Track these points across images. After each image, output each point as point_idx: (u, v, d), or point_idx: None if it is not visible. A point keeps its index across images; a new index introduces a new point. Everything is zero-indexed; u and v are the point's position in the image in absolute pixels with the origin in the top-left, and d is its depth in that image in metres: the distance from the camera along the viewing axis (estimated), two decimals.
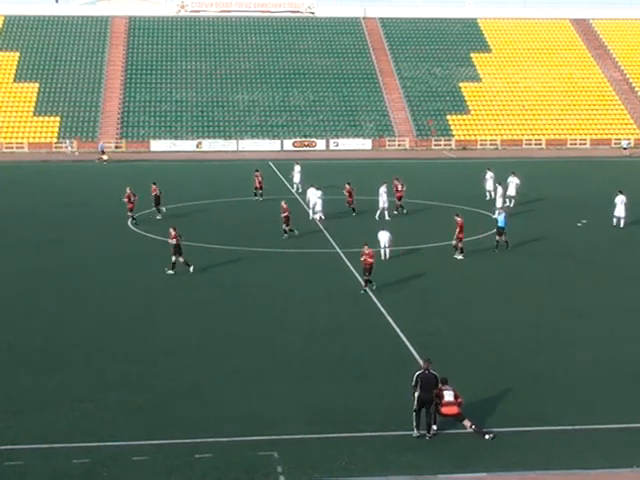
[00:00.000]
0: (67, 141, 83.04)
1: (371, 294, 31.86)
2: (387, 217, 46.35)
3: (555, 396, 22.27)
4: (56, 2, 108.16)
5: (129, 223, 45.65)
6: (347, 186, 49.50)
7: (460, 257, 37.75)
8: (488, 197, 53.81)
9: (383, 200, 46.82)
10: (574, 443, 19.60)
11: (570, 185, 62.64)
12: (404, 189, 49.44)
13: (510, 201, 50.83)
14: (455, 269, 36.39)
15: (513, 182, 51.46)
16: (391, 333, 27.38)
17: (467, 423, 19.93)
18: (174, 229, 35.54)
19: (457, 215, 38.14)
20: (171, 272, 34.87)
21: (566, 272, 36.01)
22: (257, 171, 55.38)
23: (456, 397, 20.04)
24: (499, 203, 47.77)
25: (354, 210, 48.40)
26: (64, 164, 75.70)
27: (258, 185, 53.96)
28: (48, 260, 37.94)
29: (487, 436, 19.68)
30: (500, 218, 39.59)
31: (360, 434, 19.94)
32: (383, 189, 47.10)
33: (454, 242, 37.85)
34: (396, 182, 49.65)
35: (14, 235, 43.57)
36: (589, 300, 31.77)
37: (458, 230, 37.51)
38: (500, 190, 48.07)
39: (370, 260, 31.91)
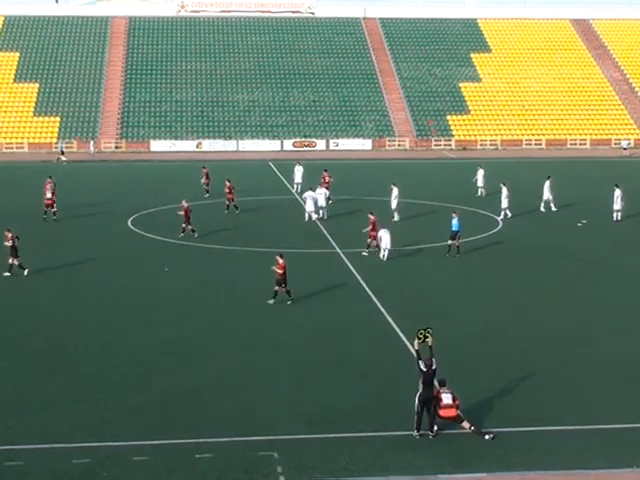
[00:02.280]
0: (91, 142, 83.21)
1: (371, 294, 31.85)
2: (396, 218, 46.19)
3: (555, 396, 22.27)
4: (56, 2, 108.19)
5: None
6: (227, 183, 49.65)
7: (365, 253, 38.17)
8: (479, 194, 55.19)
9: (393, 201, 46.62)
10: (574, 443, 19.60)
11: (570, 185, 62.60)
12: (332, 180, 51.79)
13: (547, 205, 50.20)
14: (455, 269, 36.38)
15: (547, 186, 50.47)
16: (391, 333, 27.38)
17: (466, 425, 19.93)
18: (9, 231, 35.27)
19: (371, 213, 38.70)
20: (7, 274, 34.71)
21: (566, 272, 36.01)
22: (204, 168, 56.24)
23: (454, 399, 20.04)
24: (505, 204, 47.55)
25: (236, 207, 49.15)
26: (64, 164, 75.64)
27: (206, 182, 54.71)
28: (48, 260, 37.91)
29: (487, 436, 19.69)
30: (454, 222, 38.44)
31: (360, 434, 19.93)
32: (394, 191, 46.89)
33: (368, 240, 38.31)
34: (325, 174, 52.06)
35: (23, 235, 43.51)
36: (589, 300, 31.77)
37: (370, 228, 38.16)
38: (505, 191, 47.77)
39: (280, 272, 30.24)
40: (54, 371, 24.00)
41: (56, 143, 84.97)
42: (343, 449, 19.16)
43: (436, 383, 20.34)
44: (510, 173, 58.72)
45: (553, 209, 50.07)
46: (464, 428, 19.90)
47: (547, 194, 50.37)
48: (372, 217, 38.47)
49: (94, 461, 18.51)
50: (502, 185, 48.21)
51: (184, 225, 41.95)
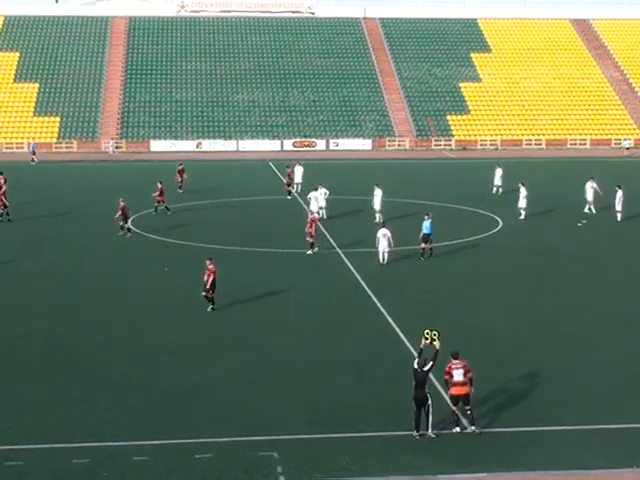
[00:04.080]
0: (110, 142, 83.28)
1: (371, 294, 31.85)
2: (379, 219, 45.72)
3: (555, 396, 22.27)
4: (56, 2, 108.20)
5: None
6: (159, 185, 49.53)
7: (310, 252, 38.35)
8: (495, 192, 56.19)
9: (377, 202, 46.34)
10: (574, 443, 19.60)
11: (570, 185, 62.58)
12: (291, 178, 55.30)
13: (589, 208, 49.31)
14: (455, 269, 36.38)
15: (590, 188, 49.64)
16: (391, 333, 27.38)
17: (468, 407, 19.90)
18: None
19: (311, 212, 38.62)
20: None
21: (566, 272, 36.01)
22: (180, 165, 58.19)
23: (466, 373, 19.86)
24: (522, 204, 47.45)
25: (167, 209, 49.11)
26: (64, 164, 75.72)
27: (180, 179, 56.70)
28: (48, 260, 37.95)
29: (457, 428, 19.82)
30: (426, 224, 37.61)
31: (360, 434, 19.94)
32: (377, 191, 46.63)
33: (308, 238, 38.54)
34: (288, 170, 56.02)
35: (14, 235, 43.58)
36: (589, 300, 31.77)
37: (308, 225, 38.46)
38: (524, 191, 47.59)
39: (210, 278, 29.16)
40: (54, 371, 24.01)
41: (57, 143, 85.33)
42: (343, 449, 19.16)
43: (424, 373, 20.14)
44: (511, 173, 58.65)
45: (593, 211, 49.09)
46: (465, 410, 19.89)
47: (590, 196, 49.44)
48: (312, 216, 38.51)
49: (94, 461, 18.51)
50: (521, 185, 48.06)
51: (122, 223, 42.55)
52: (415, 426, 19.72)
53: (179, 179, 57.11)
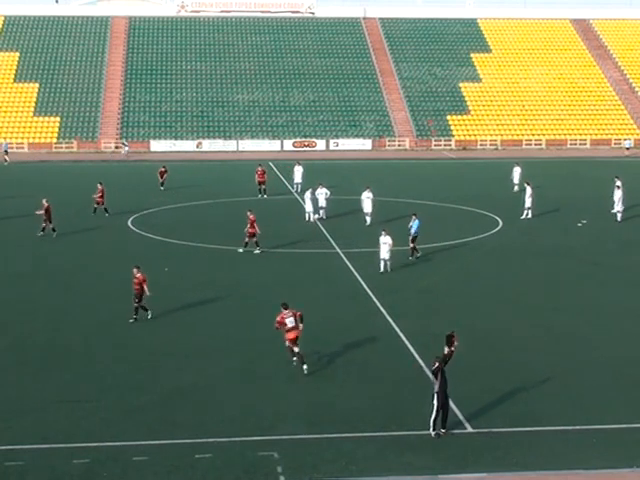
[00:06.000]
0: (124, 141, 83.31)
1: (371, 294, 31.84)
2: (368, 222, 45.55)
3: (555, 396, 22.27)
4: (56, 2, 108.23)
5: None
6: (100, 186, 48.73)
7: (257, 251, 38.57)
8: (515, 190, 56.40)
9: (367, 205, 46.11)
10: (574, 443, 19.60)
11: (570, 185, 62.65)
12: (265, 176, 56.33)
13: (614, 207, 48.30)
14: (455, 269, 36.38)
15: (617, 187, 48.80)
16: (391, 333, 27.38)
17: (297, 349, 23.03)
18: None
19: (249, 211, 39.06)
20: None
21: (566, 272, 36.01)
22: (163, 167, 60.20)
23: (296, 319, 23.25)
24: (528, 203, 47.42)
25: (106, 210, 48.07)
26: (64, 164, 75.72)
27: (161, 179, 58.92)
28: (48, 260, 37.95)
29: (305, 366, 22.87)
30: (414, 224, 37.41)
31: (360, 434, 19.94)
32: (366, 194, 46.55)
33: (246, 239, 38.64)
34: (259, 169, 56.57)
35: (14, 235, 43.57)
36: (589, 300, 31.77)
37: (249, 225, 38.56)
38: (529, 190, 47.58)
39: (137, 287, 28.48)
40: (54, 371, 23.99)
41: (57, 143, 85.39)
42: (343, 449, 19.16)
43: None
44: (510, 173, 58.75)
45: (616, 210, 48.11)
46: (292, 350, 23.19)
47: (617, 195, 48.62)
48: (252, 216, 38.64)
49: (94, 461, 18.52)
50: (526, 184, 48.09)
51: (44, 224, 42.26)
52: (434, 425, 19.76)
53: (160, 179, 58.54)
